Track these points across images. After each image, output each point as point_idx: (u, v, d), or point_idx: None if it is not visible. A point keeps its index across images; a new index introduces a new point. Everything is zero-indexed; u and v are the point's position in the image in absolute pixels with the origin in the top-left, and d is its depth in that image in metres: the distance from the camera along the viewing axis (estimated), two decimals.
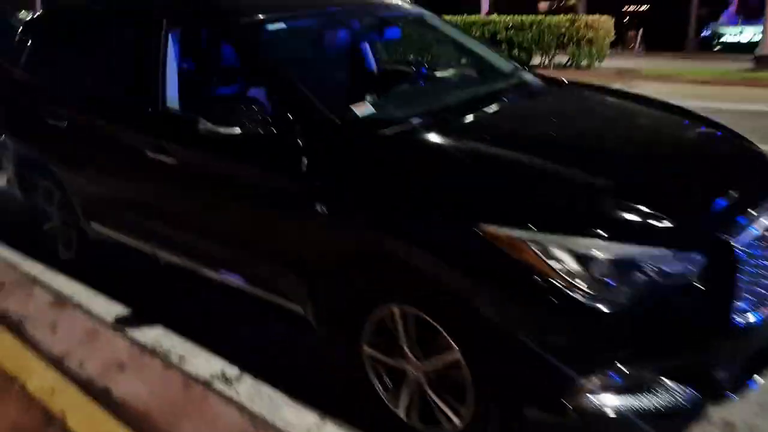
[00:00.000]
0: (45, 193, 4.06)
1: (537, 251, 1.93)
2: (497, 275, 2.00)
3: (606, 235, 1.93)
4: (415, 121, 2.54)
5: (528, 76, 3.33)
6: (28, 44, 4.03)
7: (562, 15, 15.95)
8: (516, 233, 1.95)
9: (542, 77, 3.38)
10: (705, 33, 21.67)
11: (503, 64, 3.53)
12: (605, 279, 1.90)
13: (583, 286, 1.90)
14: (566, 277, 1.91)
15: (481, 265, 2.02)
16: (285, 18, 2.94)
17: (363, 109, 2.60)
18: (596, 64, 15.29)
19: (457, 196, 2.12)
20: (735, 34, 20.20)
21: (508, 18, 15.62)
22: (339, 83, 3.00)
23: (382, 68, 3.73)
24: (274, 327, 3.27)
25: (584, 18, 15.19)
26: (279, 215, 2.58)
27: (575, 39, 14.87)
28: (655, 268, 1.90)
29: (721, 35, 20.54)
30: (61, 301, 3.70)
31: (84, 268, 4.02)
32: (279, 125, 2.52)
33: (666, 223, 1.97)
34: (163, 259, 3.36)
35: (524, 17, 15.51)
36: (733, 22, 20.42)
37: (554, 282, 1.91)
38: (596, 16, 15.21)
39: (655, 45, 20.72)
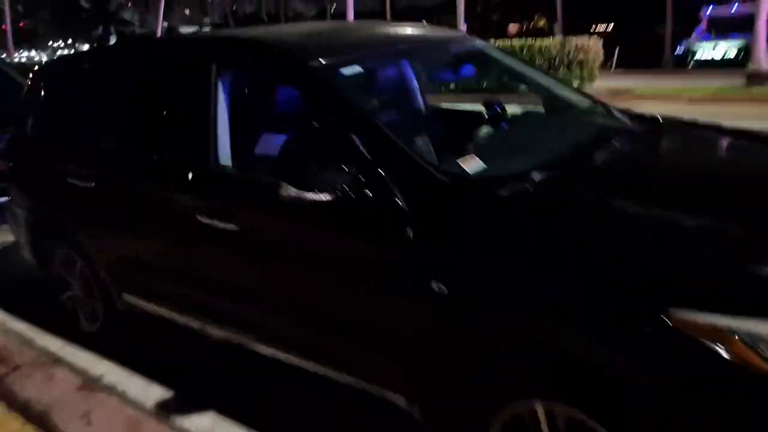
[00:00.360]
0: (64, 261, 3.61)
1: (749, 344, 1.56)
2: (692, 371, 1.63)
3: None
4: (536, 176, 2.17)
5: (616, 113, 3.00)
6: (42, 94, 3.60)
7: (551, 38, 15.93)
8: (720, 321, 1.59)
9: (628, 113, 3.05)
10: (679, 50, 21.85)
11: (579, 99, 3.20)
12: None
13: None
14: None
15: (669, 359, 1.65)
16: (361, 59, 2.58)
17: (472, 164, 2.23)
18: (587, 85, 15.20)
19: (627, 272, 1.74)
20: (708, 50, 20.33)
21: (499, 42, 15.51)
22: (431, 133, 2.64)
23: (460, 111, 3.35)
24: (362, 418, 2.77)
25: (575, 40, 15.13)
26: (378, 291, 2.18)
27: (566, 62, 14.78)
28: None
29: (694, 52, 20.66)
30: (89, 383, 3.24)
31: (112, 343, 3.57)
32: (375, 188, 2.15)
33: None
34: (214, 336, 2.94)
35: (514, 41, 15.45)
36: (705, 38, 20.58)
37: None
38: (586, 38, 15.18)
39: (629, 63, 20.75)
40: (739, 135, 2.88)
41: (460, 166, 2.23)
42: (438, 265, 2.01)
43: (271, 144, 2.52)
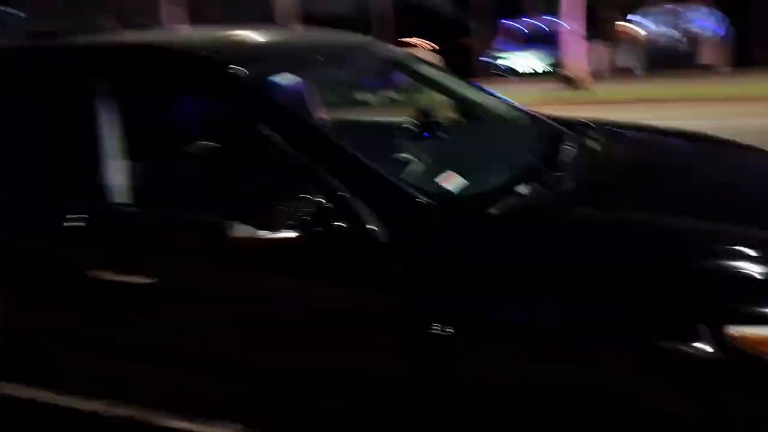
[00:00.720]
0: None
1: None
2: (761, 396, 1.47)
3: None
4: (522, 189, 1.93)
5: (545, 119, 2.87)
6: None
7: None
8: None
9: (556, 118, 2.94)
10: (484, 59, 23.27)
11: (500, 106, 3.01)
12: None
13: None
14: None
15: (735, 384, 1.48)
16: (286, 67, 2.19)
17: (453, 182, 1.94)
18: None
19: (670, 291, 1.56)
20: (507, 60, 21.79)
21: None
22: (391, 149, 2.28)
23: (388, 123, 2.99)
24: None
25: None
26: (361, 341, 1.81)
27: None
28: None
29: (497, 60, 22.06)
30: None
31: None
32: (346, 219, 1.79)
33: None
34: (116, 418, 2.34)
35: None
36: (507, 49, 22.03)
37: None
38: (417, 51, 15.56)
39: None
40: (677, 135, 2.89)
41: (437, 185, 1.93)
42: (435, 304, 1.69)
43: (189, 174, 2.05)
